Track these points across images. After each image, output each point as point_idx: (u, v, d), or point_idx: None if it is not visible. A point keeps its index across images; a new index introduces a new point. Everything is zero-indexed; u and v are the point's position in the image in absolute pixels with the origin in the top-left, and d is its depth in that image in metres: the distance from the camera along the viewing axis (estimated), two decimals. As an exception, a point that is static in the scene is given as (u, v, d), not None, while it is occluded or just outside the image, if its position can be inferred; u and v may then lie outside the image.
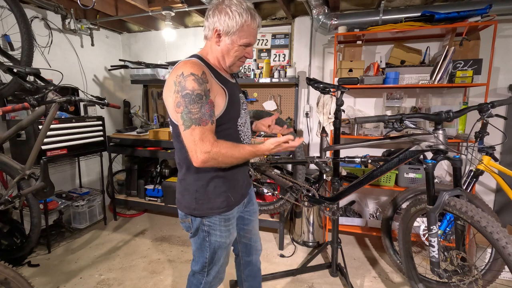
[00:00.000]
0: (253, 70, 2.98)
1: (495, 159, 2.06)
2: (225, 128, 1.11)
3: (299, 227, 2.64)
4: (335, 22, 2.61)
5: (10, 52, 2.29)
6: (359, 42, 2.60)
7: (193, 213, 1.15)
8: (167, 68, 3.06)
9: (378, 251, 2.55)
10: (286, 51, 3.08)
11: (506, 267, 1.77)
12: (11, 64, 2.09)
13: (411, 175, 2.44)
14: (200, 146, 0.97)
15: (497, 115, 1.47)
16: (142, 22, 3.25)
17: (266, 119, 1.46)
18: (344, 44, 2.73)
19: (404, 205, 2.11)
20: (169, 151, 2.75)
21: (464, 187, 2.11)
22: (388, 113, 2.53)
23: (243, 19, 1.03)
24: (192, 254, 1.29)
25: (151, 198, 3.01)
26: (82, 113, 2.88)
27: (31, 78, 1.93)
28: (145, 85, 3.54)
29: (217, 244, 1.20)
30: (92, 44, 3.25)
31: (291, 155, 1.86)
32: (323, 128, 2.48)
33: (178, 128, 1.04)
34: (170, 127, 1.17)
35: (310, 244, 2.61)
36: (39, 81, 1.88)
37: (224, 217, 1.18)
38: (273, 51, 3.11)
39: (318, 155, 3.01)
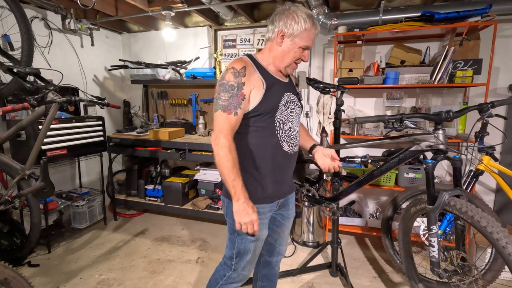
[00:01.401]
0: (253, 70, 2.97)
1: (495, 159, 2.06)
2: (261, 121, 1.17)
3: (299, 227, 2.64)
4: (335, 22, 2.61)
5: (10, 52, 2.29)
6: (359, 42, 2.60)
7: (227, 195, 1.20)
8: (167, 68, 3.06)
9: (378, 251, 2.55)
10: (286, 51, 3.08)
11: (506, 267, 1.76)
12: (11, 64, 2.09)
13: (411, 175, 2.44)
14: (221, 131, 1.10)
15: (497, 115, 1.47)
16: (142, 22, 3.25)
17: (331, 151, 1.41)
18: (344, 44, 2.73)
19: (404, 205, 2.11)
20: (169, 151, 2.75)
21: (464, 187, 2.11)
22: (388, 113, 2.52)
23: (307, 24, 1.15)
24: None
25: (151, 198, 3.01)
26: (82, 113, 2.88)
27: (31, 78, 1.93)
28: (145, 85, 3.54)
29: (245, 236, 1.22)
30: (92, 44, 3.25)
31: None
32: (323, 128, 2.47)
33: None
34: None
35: (310, 244, 2.61)
36: (39, 81, 1.88)
37: (259, 210, 1.19)
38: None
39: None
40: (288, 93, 1.23)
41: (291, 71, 1.28)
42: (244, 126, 1.17)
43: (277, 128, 1.20)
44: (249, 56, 1.21)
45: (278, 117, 1.19)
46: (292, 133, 1.26)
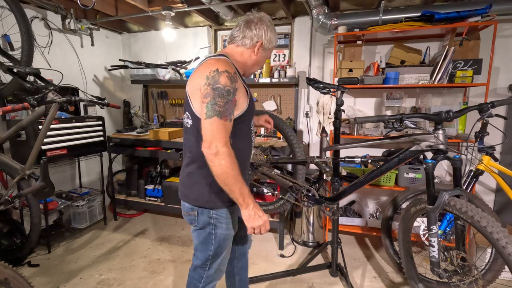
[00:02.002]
0: (253, 70, 2.98)
1: (495, 159, 2.06)
2: (244, 126, 1.19)
3: (299, 227, 2.64)
4: (335, 22, 2.61)
5: (10, 52, 2.29)
6: (359, 42, 2.60)
7: (205, 205, 1.19)
8: (167, 68, 3.06)
9: (378, 251, 2.55)
10: (286, 51, 3.08)
11: (506, 267, 1.77)
12: (11, 64, 2.09)
13: (411, 175, 2.44)
14: (219, 140, 1.02)
15: (497, 115, 1.47)
16: (142, 22, 3.25)
17: (264, 116, 1.61)
18: (344, 44, 2.73)
19: (404, 205, 2.11)
20: (169, 151, 2.75)
21: (464, 187, 2.11)
22: (388, 113, 2.52)
23: (277, 38, 1.23)
24: (193, 249, 1.31)
25: (151, 198, 3.01)
26: (82, 113, 2.88)
27: (31, 78, 1.93)
28: (145, 85, 3.54)
29: (223, 236, 1.24)
30: (92, 44, 3.25)
31: (291, 155, 1.86)
32: (323, 128, 2.48)
33: (200, 120, 1.08)
34: (189, 120, 1.18)
35: (310, 244, 2.61)
36: (39, 81, 1.88)
37: (231, 210, 1.25)
38: (273, 51, 3.11)
39: (318, 155, 3.01)
40: None
41: (249, 76, 1.37)
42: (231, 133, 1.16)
43: (252, 131, 1.27)
44: (228, 58, 1.16)
45: (252, 122, 1.26)
46: (254, 135, 1.34)
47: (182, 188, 1.26)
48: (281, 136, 2.79)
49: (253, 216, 1.08)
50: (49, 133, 2.03)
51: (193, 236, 1.28)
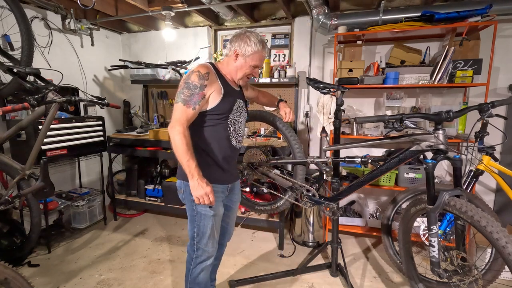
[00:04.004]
0: (253, 70, 2.98)
1: (495, 159, 2.06)
2: (216, 119, 1.40)
3: (299, 227, 2.64)
4: (335, 22, 2.61)
5: (10, 52, 2.29)
6: (359, 42, 2.60)
7: (185, 178, 1.32)
8: (167, 68, 3.06)
9: (378, 251, 2.55)
10: (286, 51, 3.08)
11: (506, 266, 1.77)
12: (11, 64, 2.09)
13: (411, 175, 2.44)
14: (178, 120, 1.27)
15: (497, 115, 1.47)
16: (142, 22, 3.25)
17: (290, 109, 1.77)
18: (344, 44, 2.73)
19: (404, 205, 2.11)
20: (169, 151, 2.74)
21: (464, 187, 2.11)
22: (388, 113, 2.52)
23: (257, 47, 1.39)
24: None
25: (151, 198, 3.01)
26: (82, 113, 2.88)
27: (31, 78, 1.93)
28: (145, 85, 3.54)
29: (203, 213, 1.40)
30: (92, 44, 3.25)
31: (291, 155, 1.87)
32: (323, 128, 2.47)
33: None
34: None
35: (310, 244, 2.61)
36: (39, 81, 1.88)
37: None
38: (273, 51, 3.11)
39: (318, 155, 3.01)
40: (240, 100, 1.49)
41: (243, 83, 1.53)
42: (202, 121, 1.38)
43: (229, 125, 1.44)
44: (212, 64, 1.43)
45: (231, 117, 1.45)
46: (240, 132, 1.53)
47: (178, 168, 1.47)
48: (281, 136, 2.79)
49: (197, 186, 1.25)
50: (49, 133, 2.03)
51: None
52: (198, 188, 1.26)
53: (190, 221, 1.45)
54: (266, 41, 2.61)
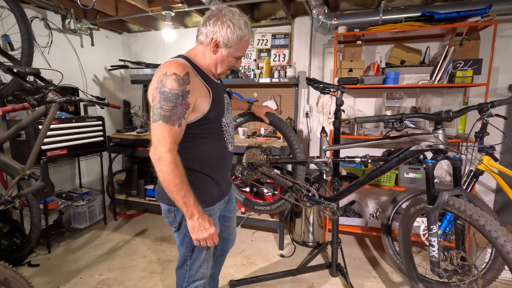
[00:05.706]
0: (253, 70, 2.98)
1: (495, 159, 2.06)
2: (210, 127, 1.14)
3: (299, 227, 2.64)
4: (335, 22, 2.61)
5: (10, 52, 2.29)
6: (359, 42, 2.60)
7: (173, 202, 1.12)
8: (167, 68, 3.06)
9: (378, 251, 2.55)
10: (286, 51, 3.08)
11: (506, 266, 1.77)
12: (11, 64, 2.09)
13: (411, 175, 2.44)
14: (162, 145, 0.97)
15: (497, 115, 1.47)
16: (142, 22, 3.25)
17: (265, 108, 1.67)
18: (344, 44, 2.73)
19: (404, 205, 2.11)
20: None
21: (464, 187, 2.11)
22: (388, 113, 2.52)
23: (243, 33, 1.08)
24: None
25: (151, 198, 3.01)
26: (82, 113, 2.88)
27: (31, 78, 1.93)
28: (145, 85, 3.53)
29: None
30: (92, 44, 3.25)
31: (291, 155, 1.87)
32: (323, 128, 2.47)
33: None
34: None
35: (310, 244, 2.61)
36: (39, 81, 1.88)
37: (206, 212, 1.13)
38: (273, 51, 3.11)
39: (318, 155, 3.01)
40: (225, 95, 1.26)
41: (223, 77, 1.26)
42: (192, 136, 1.10)
43: (224, 131, 1.21)
44: (186, 58, 1.11)
45: (224, 121, 1.20)
46: (232, 133, 1.30)
47: (158, 188, 1.22)
48: (281, 136, 2.79)
49: (198, 227, 1.03)
50: (49, 133, 2.03)
51: (175, 237, 1.26)
52: (200, 231, 1.03)
53: (181, 244, 1.21)
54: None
